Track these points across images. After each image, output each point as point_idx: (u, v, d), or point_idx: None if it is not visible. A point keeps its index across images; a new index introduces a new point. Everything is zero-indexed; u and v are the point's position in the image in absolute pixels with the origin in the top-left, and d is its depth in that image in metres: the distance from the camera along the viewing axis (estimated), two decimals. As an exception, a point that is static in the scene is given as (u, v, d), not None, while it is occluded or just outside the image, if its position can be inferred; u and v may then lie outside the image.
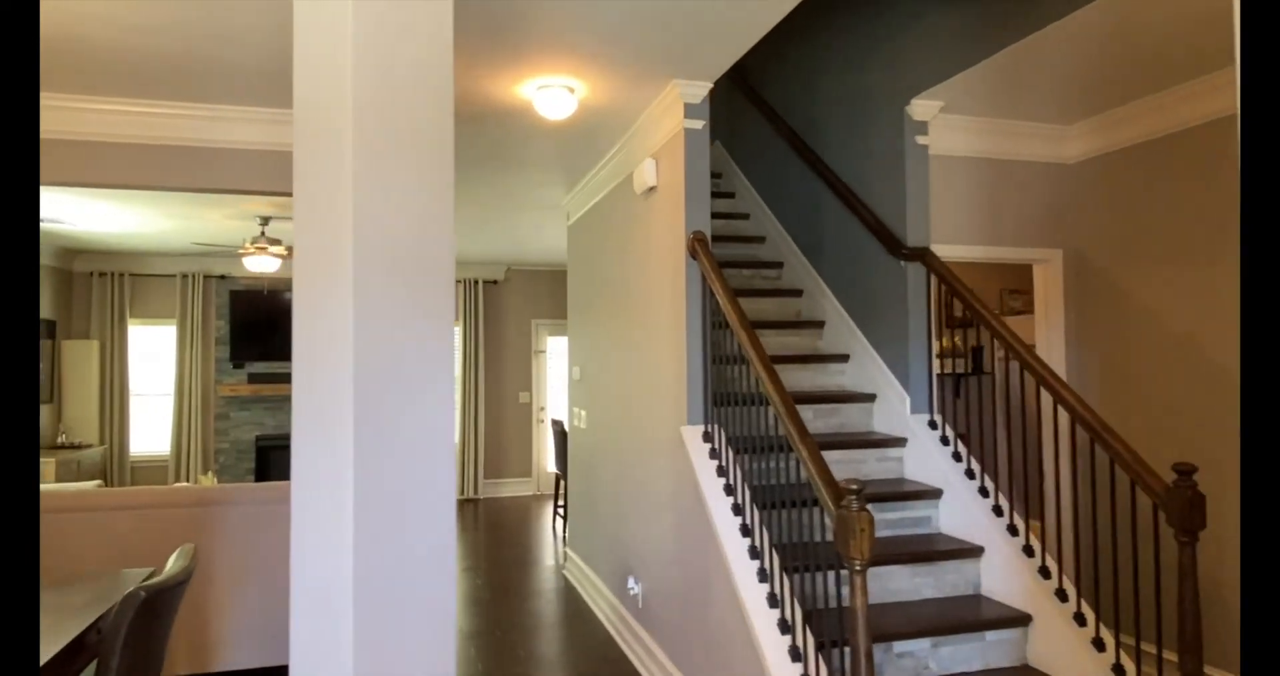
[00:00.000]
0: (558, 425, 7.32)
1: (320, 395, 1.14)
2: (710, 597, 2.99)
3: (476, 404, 8.91)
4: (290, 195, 3.87)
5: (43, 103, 3.34)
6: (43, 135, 3.39)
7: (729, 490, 3.01)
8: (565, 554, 6.06)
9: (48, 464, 6.62)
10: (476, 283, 8.99)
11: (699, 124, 3.39)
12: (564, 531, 7.03)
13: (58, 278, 7.60)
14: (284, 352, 8.29)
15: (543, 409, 9.37)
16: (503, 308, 9.24)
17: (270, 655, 3.64)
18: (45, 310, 7.31)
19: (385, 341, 1.08)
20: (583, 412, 5.28)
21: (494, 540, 6.80)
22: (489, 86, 3.34)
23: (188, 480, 7.83)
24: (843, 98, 4.22)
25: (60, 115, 3.37)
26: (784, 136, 4.72)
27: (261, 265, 6.02)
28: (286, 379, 8.24)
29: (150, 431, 8.07)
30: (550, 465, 9.30)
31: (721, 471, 3.08)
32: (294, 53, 1.18)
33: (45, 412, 7.34)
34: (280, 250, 6.10)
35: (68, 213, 5.94)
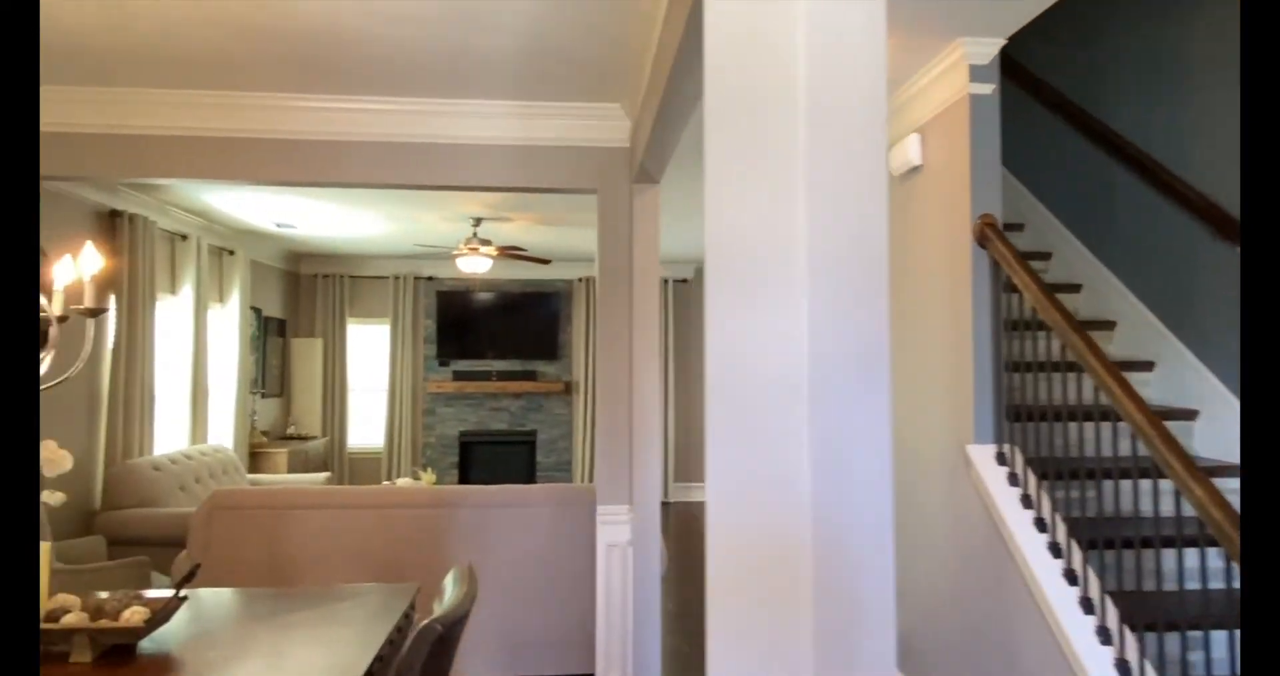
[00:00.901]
0: (759, 431, 6.94)
1: (743, 394, 0.96)
2: (1017, 653, 2.49)
3: (666, 406, 8.71)
4: (516, 190, 3.74)
5: (296, 104, 3.38)
6: (293, 136, 3.43)
7: (1041, 525, 2.50)
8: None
9: (279, 454, 7.07)
10: (666, 282, 8.79)
11: (988, 88, 2.89)
12: (768, 544, 6.63)
13: (287, 280, 8.16)
14: (484, 351, 8.47)
15: (733, 412, 9.02)
16: (692, 307, 8.97)
17: (506, 665, 3.52)
18: (276, 310, 7.86)
19: (836, 346, 0.84)
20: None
21: (687, 549, 6.52)
22: (741, 60, 3.01)
23: (399, 473, 8.17)
24: (1142, 53, 3.53)
25: (313, 116, 3.39)
26: (1047, 103, 4.06)
27: (474, 265, 6.08)
28: (487, 376, 8.41)
29: (365, 425, 8.50)
30: (741, 471, 8.94)
31: (1028, 502, 2.57)
32: (707, 46, 0.95)
33: (276, 405, 7.89)
34: (491, 250, 6.13)
35: (297, 217, 6.27)
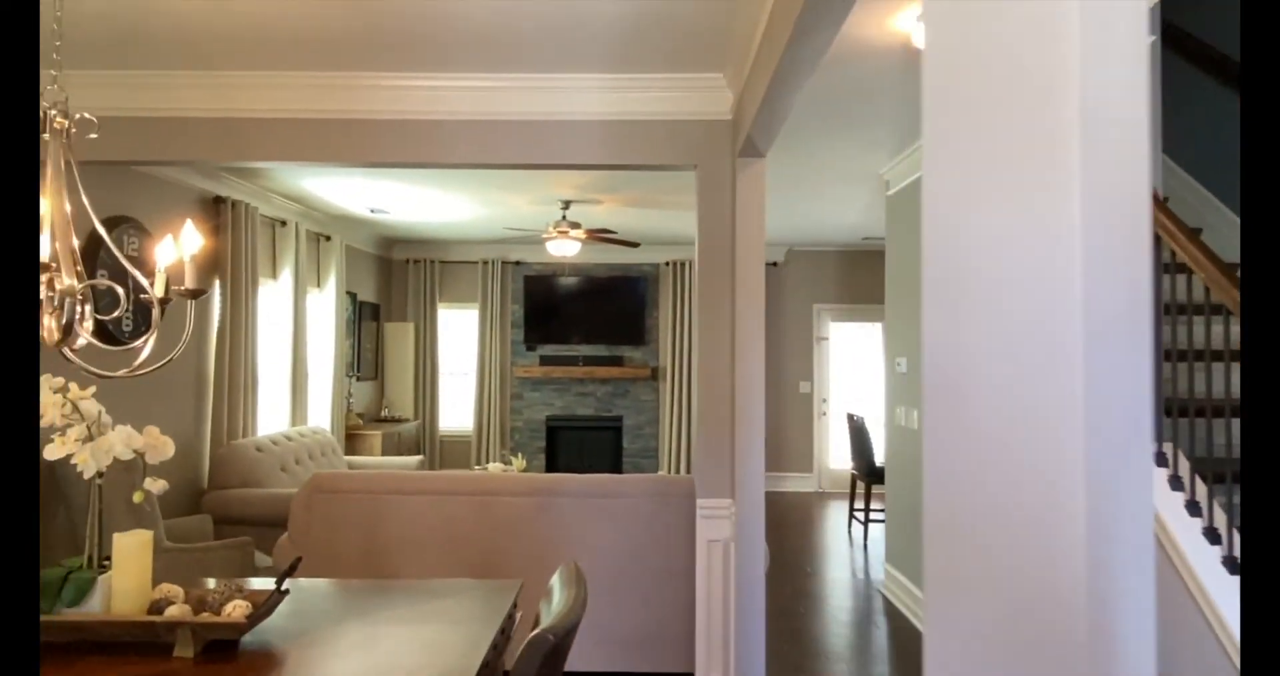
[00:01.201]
0: (856, 420, 6.65)
1: (992, 407, 0.92)
2: (1183, 680, 2.20)
3: (756, 393, 8.48)
4: (612, 168, 3.60)
5: (390, 83, 3.30)
6: (388, 116, 3.36)
7: (1213, 536, 2.19)
8: (885, 569, 5.39)
9: (374, 436, 7.20)
10: (757, 265, 8.51)
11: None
12: (866, 539, 6.36)
13: (380, 265, 8.29)
14: (571, 336, 8.42)
15: (825, 401, 8.71)
16: (782, 292, 8.68)
17: (602, 660, 3.41)
18: (370, 295, 7.99)
19: (1111, 359, 0.86)
20: (912, 412, 4.57)
21: (780, 543, 6.30)
22: (862, 20, 2.76)
23: (488, 456, 8.22)
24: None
25: (408, 95, 3.31)
26: (1200, 61, 3.63)
27: (563, 248, 5.99)
28: (574, 361, 8.36)
29: (454, 408, 8.58)
30: (833, 461, 8.63)
31: (1195, 508, 2.26)
32: (928, 38, 0.96)
33: (371, 388, 8.04)
34: (579, 234, 6.02)
35: (390, 202, 6.30)
